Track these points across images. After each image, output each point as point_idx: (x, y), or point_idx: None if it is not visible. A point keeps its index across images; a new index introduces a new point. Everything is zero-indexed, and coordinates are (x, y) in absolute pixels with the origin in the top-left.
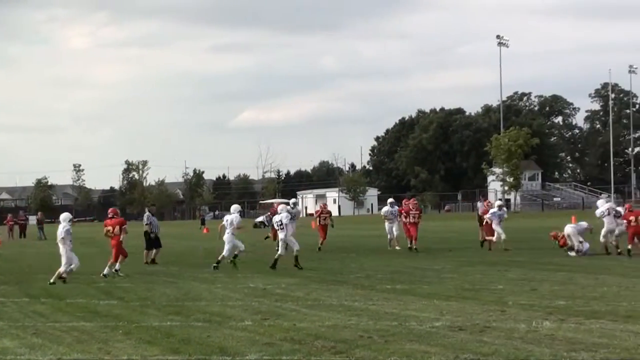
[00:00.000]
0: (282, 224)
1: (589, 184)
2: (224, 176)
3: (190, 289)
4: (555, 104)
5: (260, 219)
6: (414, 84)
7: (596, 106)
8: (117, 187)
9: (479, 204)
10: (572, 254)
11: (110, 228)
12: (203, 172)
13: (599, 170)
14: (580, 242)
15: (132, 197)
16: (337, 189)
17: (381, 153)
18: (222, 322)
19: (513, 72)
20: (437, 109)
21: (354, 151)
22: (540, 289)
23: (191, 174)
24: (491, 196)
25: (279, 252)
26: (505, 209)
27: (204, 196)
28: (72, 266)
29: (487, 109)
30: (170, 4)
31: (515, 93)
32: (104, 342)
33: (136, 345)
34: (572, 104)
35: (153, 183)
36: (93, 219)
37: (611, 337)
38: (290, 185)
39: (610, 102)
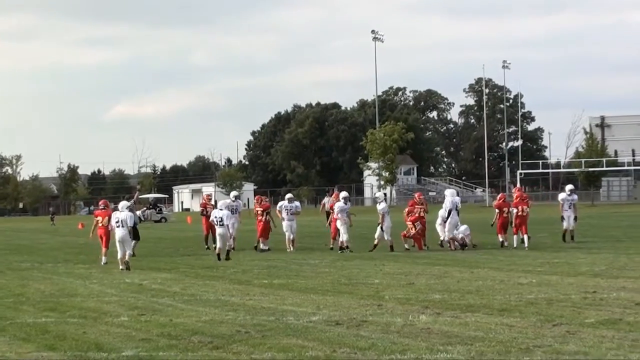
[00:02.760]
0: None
1: (463, 178)
2: (99, 171)
3: (65, 284)
4: (430, 99)
5: (137, 213)
6: (289, 78)
7: (470, 101)
8: None
9: (326, 199)
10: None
11: (100, 218)
12: (77, 167)
13: (474, 165)
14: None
15: (6, 192)
16: (213, 184)
17: (257, 148)
18: (98, 318)
19: (388, 67)
20: (313, 104)
21: (230, 146)
22: (416, 283)
23: (65, 168)
24: (367, 191)
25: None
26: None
27: (79, 191)
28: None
29: (363, 104)
30: None
31: (391, 88)
32: None
33: (11, 342)
34: (446, 98)
35: (27, 178)
36: None
37: (486, 330)
38: (166, 180)
39: (484, 97)
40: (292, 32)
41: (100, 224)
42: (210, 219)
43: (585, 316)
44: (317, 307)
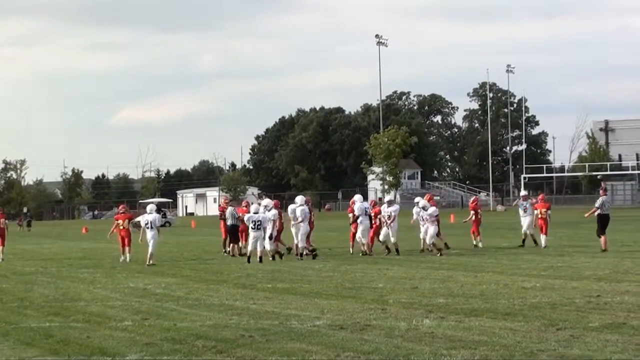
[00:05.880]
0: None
1: (467, 182)
2: (103, 175)
3: (69, 289)
4: (434, 103)
5: (138, 219)
6: (293, 83)
7: (474, 105)
8: None
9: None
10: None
11: (120, 221)
12: (82, 172)
13: (478, 169)
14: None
15: (10, 197)
16: (217, 188)
17: (261, 152)
18: (102, 322)
19: (392, 71)
20: (317, 108)
21: (234, 150)
22: (420, 287)
23: (70, 173)
24: (371, 195)
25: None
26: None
27: (83, 196)
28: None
29: (367, 108)
30: (44, 2)
31: (395, 92)
32: None
33: (14, 347)
34: (450, 103)
35: (31, 183)
36: None
37: (490, 334)
38: (170, 184)
39: (489, 101)
40: (297, 37)
41: (121, 227)
42: (245, 220)
43: (589, 320)
44: (321, 311)
